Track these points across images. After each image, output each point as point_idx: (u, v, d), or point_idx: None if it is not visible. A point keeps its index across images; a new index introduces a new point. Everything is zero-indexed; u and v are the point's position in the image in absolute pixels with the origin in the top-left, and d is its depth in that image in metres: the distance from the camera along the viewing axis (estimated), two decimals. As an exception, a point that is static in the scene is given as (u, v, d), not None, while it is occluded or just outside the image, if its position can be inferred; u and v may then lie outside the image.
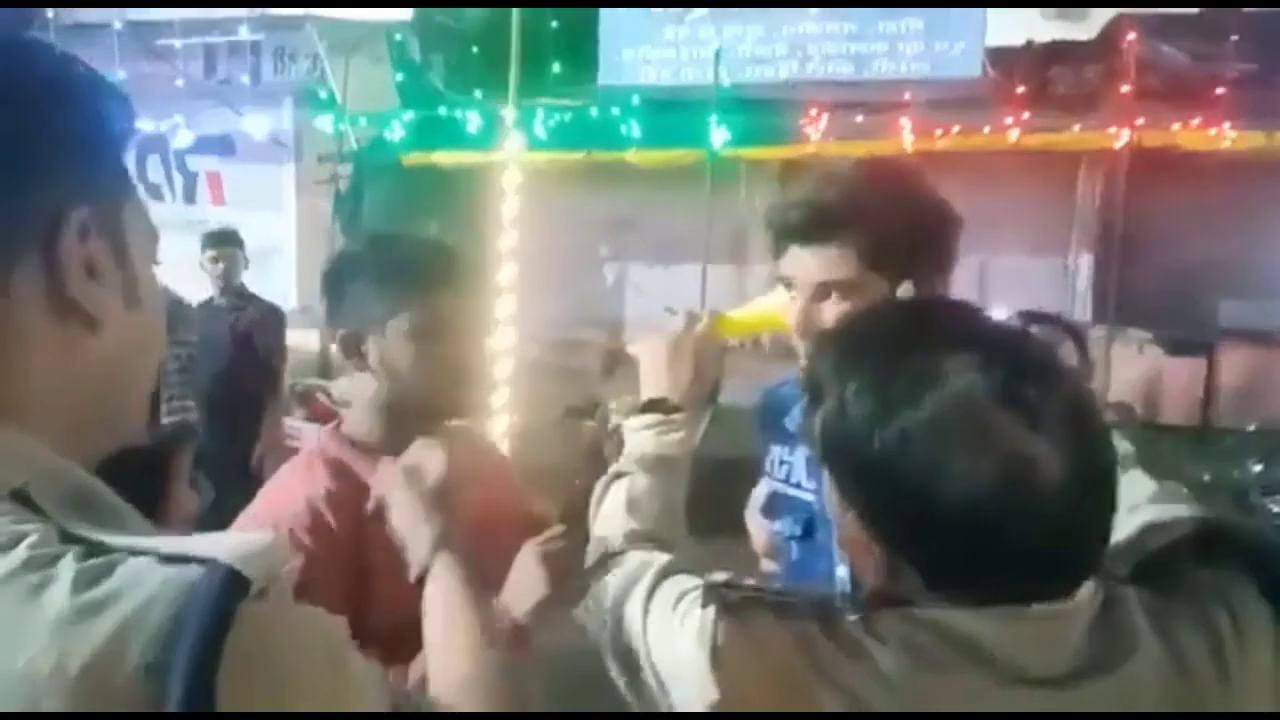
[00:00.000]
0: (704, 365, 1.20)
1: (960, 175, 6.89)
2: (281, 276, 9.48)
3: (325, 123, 7.02)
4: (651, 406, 1.17)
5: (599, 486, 1.14)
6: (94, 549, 0.51)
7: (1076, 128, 5.90)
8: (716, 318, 1.25)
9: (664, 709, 0.88)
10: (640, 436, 1.14)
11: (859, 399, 0.77)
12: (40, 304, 0.58)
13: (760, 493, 1.52)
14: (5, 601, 0.48)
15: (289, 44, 7.91)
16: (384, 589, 1.22)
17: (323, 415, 4.96)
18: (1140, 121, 5.66)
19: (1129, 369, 6.30)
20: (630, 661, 0.93)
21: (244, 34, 7.17)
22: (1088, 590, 0.77)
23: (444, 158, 7.19)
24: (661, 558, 1.00)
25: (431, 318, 1.28)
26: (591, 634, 1.02)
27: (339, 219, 7.35)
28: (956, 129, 5.90)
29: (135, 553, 0.51)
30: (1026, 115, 5.76)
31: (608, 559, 1.03)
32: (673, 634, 0.87)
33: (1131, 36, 5.85)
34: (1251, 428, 5.34)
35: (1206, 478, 4.73)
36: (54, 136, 0.59)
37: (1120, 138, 5.63)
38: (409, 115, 6.24)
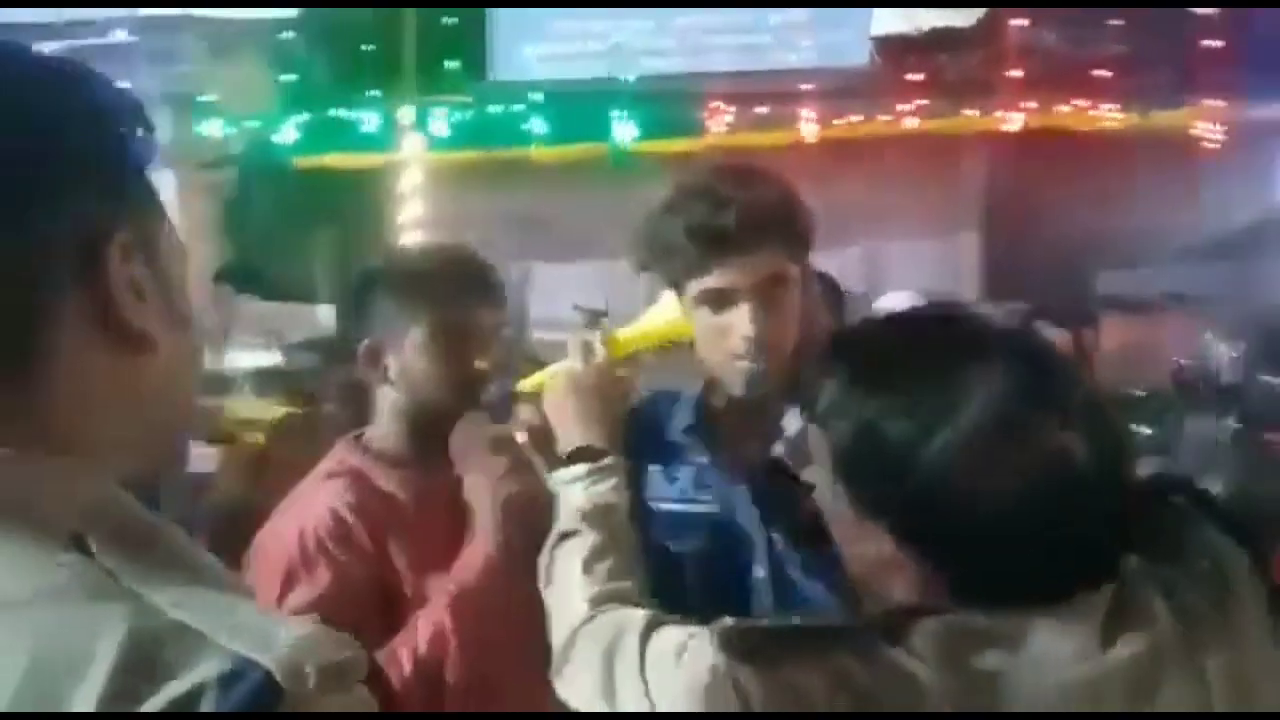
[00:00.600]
0: (613, 398, 1.18)
1: (850, 164, 7.13)
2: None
3: (209, 127, 6.73)
4: (577, 456, 1.13)
5: (544, 553, 1.10)
6: (146, 611, 0.49)
7: (969, 113, 6.10)
8: (611, 341, 1.22)
9: None
10: (574, 490, 1.11)
11: (890, 421, 0.78)
12: (93, 331, 0.58)
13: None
14: (49, 661, 0.47)
15: (165, 46, 7.54)
16: (409, 597, 1.26)
17: (217, 435, 4.77)
18: (1031, 105, 5.89)
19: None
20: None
21: (119, 36, 6.81)
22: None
23: (338, 160, 6.98)
24: (637, 613, 0.97)
25: (447, 327, 1.28)
26: (577, 705, 0.99)
27: (226, 226, 7.05)
28: (857, 118, 6.04)
29: (186, 625, 0.49)
30: (922, 102, 5.93)
31: (577, 632, 1.00)
32: (686, 690, 0.84)
33: (1011, 23, 6.09)
34: (1140, 392, 5.61)
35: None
36: (89, 160, 0.58)
37: (1011, 122, 5.85)
38: (301, 117, 6.02)
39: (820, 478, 0.90)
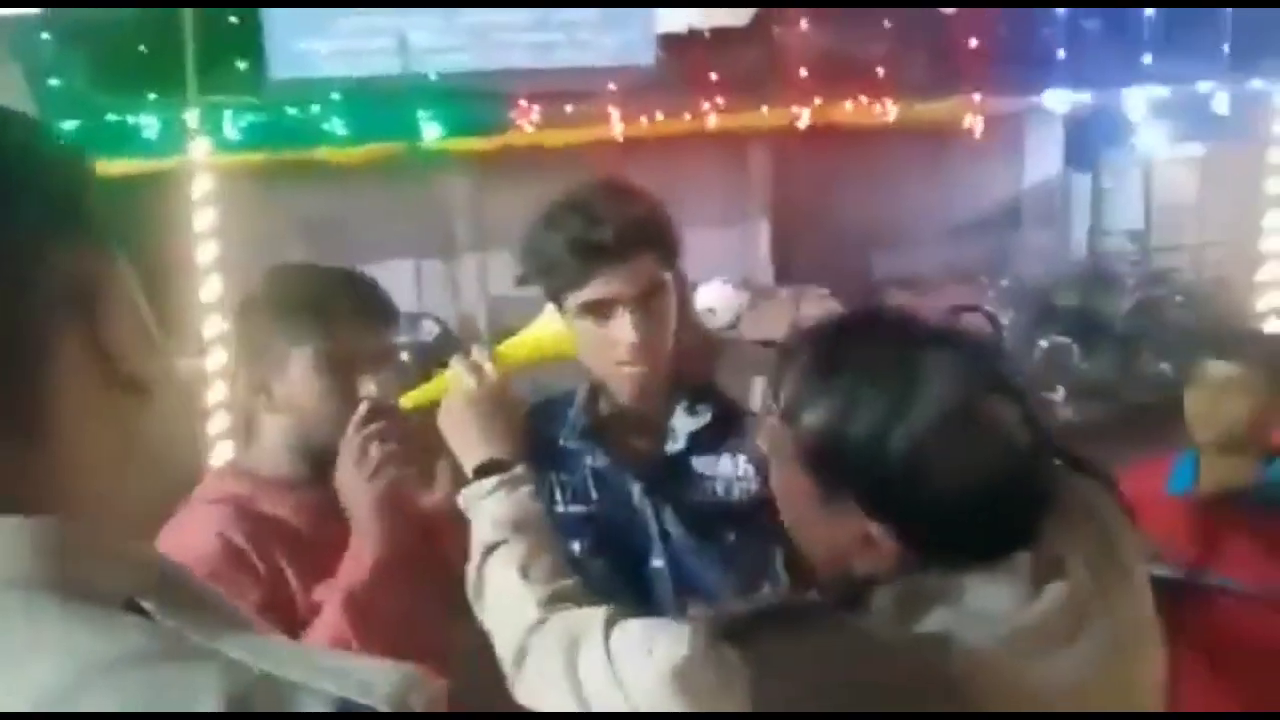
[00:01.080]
0: (509, 411, 1.22)
1: (656, 158, 7.31)
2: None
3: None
4: (485, 470, 1.15)
5: (471, 568, 1.09)
6: (233, 666, 0.48)
7: (764, 110, 6.40)
8: (496, 356, 1.26)
9: None
10: (490, 503, 1.11)
11: (861, 409, 0.85)
12: (93, 376, 0.56)
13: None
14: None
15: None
16: (306, 618, 1.24)
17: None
18: (817, 102, 6.26)
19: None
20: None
21: None
22: None
23: (110, 168, 6.47)
24: (592, 611, 0.98)
25: (330, 353, 1.25)
26: (541, 708, 0.99)
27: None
28: (660, 115, 6.20)
29: (275, 676, 0.48)
30: (720, 100, 6.16)
31: (529, 637, 1.00)
32: (665, 677, 0.86)
33: (779, 29, 6.46)
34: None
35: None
36: (63, 201, 0.56)
37: (801, 118, 6.19)
38: (69, 123, 5.54)
39: (781, 468, 0.95)
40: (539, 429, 1.42)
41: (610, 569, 1.37)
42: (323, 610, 1.21)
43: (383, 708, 0.46)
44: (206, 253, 5.39)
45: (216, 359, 4.74)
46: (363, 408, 1.24)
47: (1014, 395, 0.88)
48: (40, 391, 0.54)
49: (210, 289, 5.10)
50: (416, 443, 1.24)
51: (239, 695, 0.45)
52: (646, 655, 0.89)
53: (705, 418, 1.36)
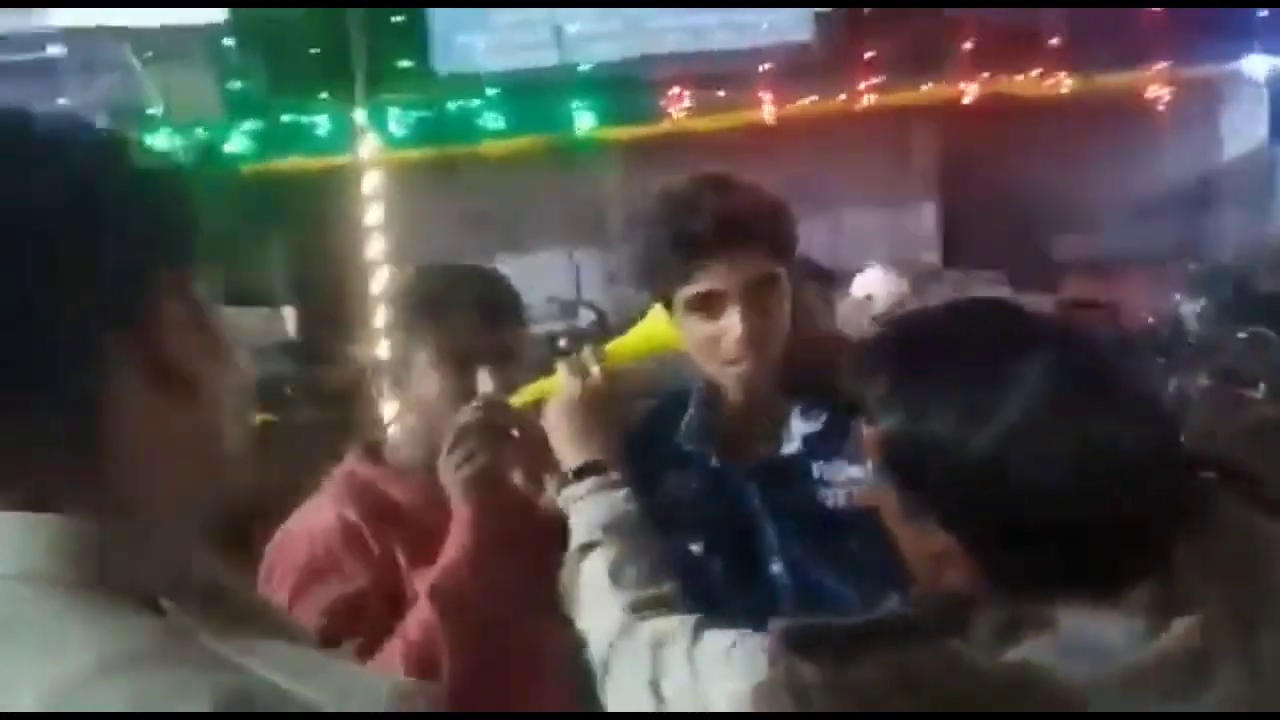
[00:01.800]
0: (609, 413, 1.19)
1: (809, 140, 7.16)
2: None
3: (157, 140, 6.56)
4: (582, 473, 1.13)
5: (565, 569, 1.09)
6: (235, 672, 0.49)
7: (924, 86, 6.15)
8: (604, 353, 1.23)
9: None
10: (586, 505, 1.10)
11: (938, 413, 0.77)
12: (144, 378, 0.58)
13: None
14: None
15: (96, 57, 7.32)
16: (410, 602, 1.24)
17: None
18: (984, 75, 5.95)
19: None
20: None
21: (53, 51, 6.61)
22: None
23: (287, 165, 6.85)
24: (679, 619, 0.96)
25: (447, 353, 1.26)
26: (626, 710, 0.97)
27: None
28: (814, 97, 6.06)
29: (278, 685, 0.49)
30: (877, 80, 5.96)
31: (617, 642, 0.99)
32: (742, 690, 0.84)
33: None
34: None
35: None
36: (130, 201, 0.59)
37: (966, 93, 5.90)
38: (249, 124, 5.89)
39: (873, 473, 0.88)
40: (657, 429, 1.40)
41: (728, 572, 1.33)
42: (419, 597, 1.22)
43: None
44: (375, 247, 5.62)
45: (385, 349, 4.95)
46: (474, 402, 1.26)
47: (1133, 405, 0.77)
48: (89, 390, 0.55)
49: (379, 281, 5.30)
50: (526, 437, 1.24)
51: (235, 702, 0.47)
52: (727, 668, 0.87)
53: (820, 420, 1.29)
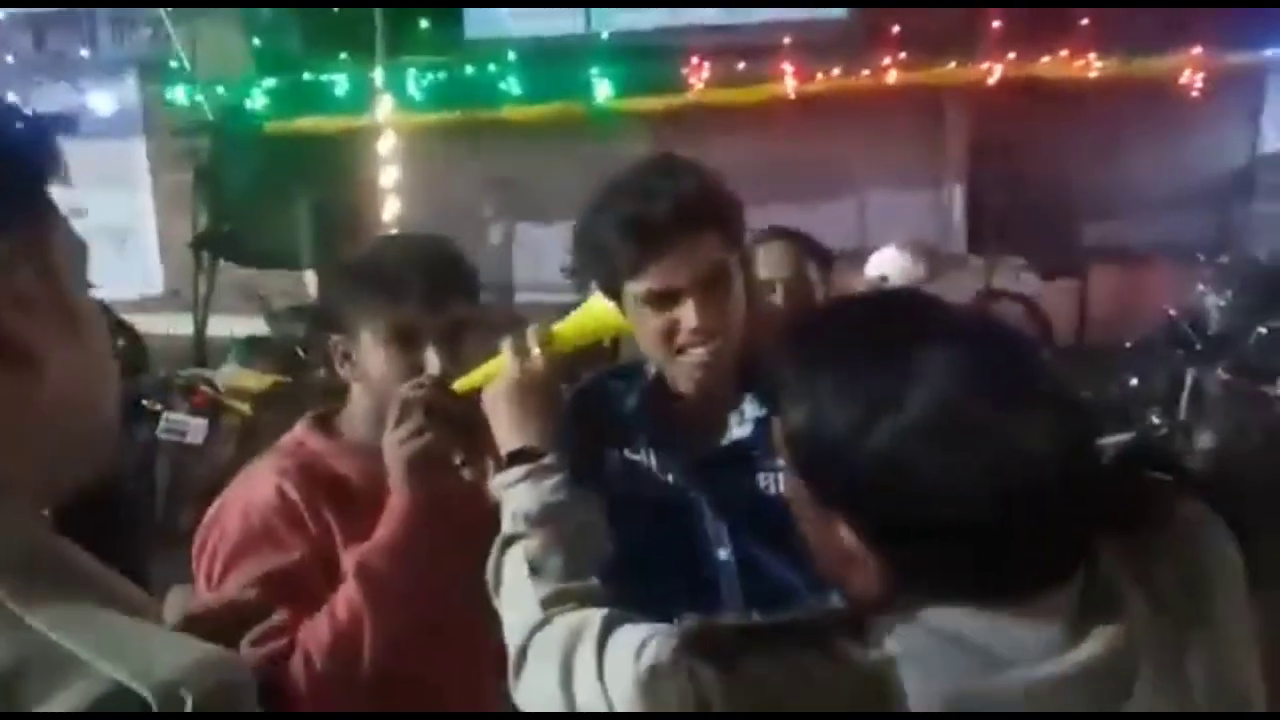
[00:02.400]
0: (551, 397, 1.16)
1: (833, 118, 7.06)
2: (142, 258, 8.99)
3: (179, 94, 6.59)
4: (515, 459, 1.10)
5: (491, 560, 1.06)
6: (22, 634, 0.48)
7: (950, 65, 6.02)
8: (547, 335, 1.19)
9: None
10: (516, 492, 1.07)
11: (839, 405, 0.74)
12: None
13: None
14: None
15: (127, 10, 7.38)
16: (344, 577, 1.21)
17: (207, 406, 4.72)
18: (1011, 56, 5.81)
19: (1009, 296, 6.55)
20: None
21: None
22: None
23: (309, 124, 6.87)
24: (593, 614, 0.94)
25: (392, 329, 1.26)
26: (537, 709, 0.96)
27: (201, 195, 6.95)
28: (836, 71, 5.95)
29: (62, 648, 0.48)
30: (902, 56, 5.84)
31: (531, 637, 0.96)
32: (641, 687, 0.81)
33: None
34: (1128, 344, 5.62)
35: (1087, 395, 4.96)
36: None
37: (994, 73, 5.77)
38: (270, 81, 5.90)
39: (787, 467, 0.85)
40: (601, 404, 1.36)
41: (674, 557, 1.30)
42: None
43: (147, 695, 0.46)
44: (391, 209, 5.62)
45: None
46: (420, 378, 1.23)
47: (1046, 402, 0.72)
48: None
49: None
50: (464, 418, 1.21)
51: (12, 659, 0.46)
52: (633, 660, 0.83)
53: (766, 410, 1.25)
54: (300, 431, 1.37)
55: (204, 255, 6.88)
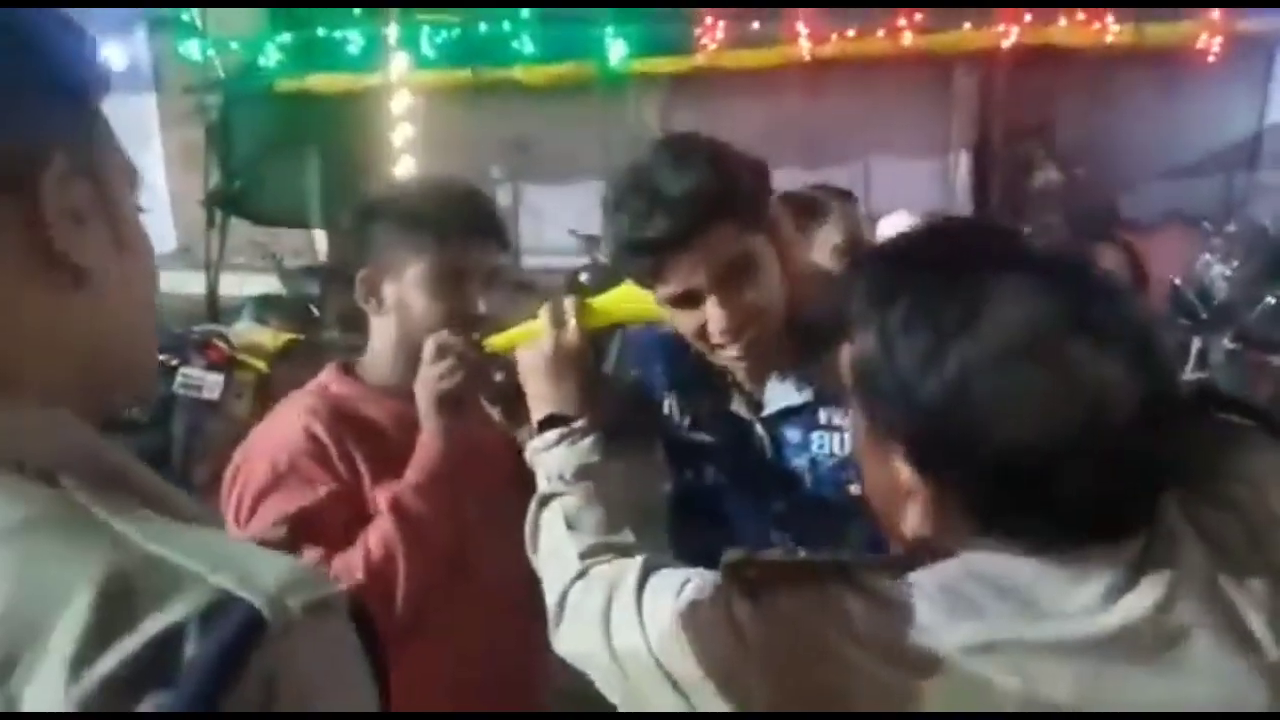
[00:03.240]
0: (582, 366, 1.16)
1: (842, 81, 7.02)
2: (156, 215, 8.95)
3: (192, 49, 6.56)
4: (548, 424, 1.12)
5: (529, 519, 1.08)
6: (124, 544, 0.48)
7: (966, 26, 5.96)
8: (583, 308, 1.19)
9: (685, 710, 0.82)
10: (551, 455, 1.09)
11: (908, 331, 0.71)
12: (24, 260, 0.54)
13: None
14: (33, 589, 0.46)
15: (139, -36, 7.32)
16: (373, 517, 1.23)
17: (222, 362, 4.76)
18: (1026, 20, 5.77)
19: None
20: (636, 673, 0.87)
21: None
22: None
23: (319, 82, 6.84)
24: (634, 560, 0.95)
25: (446, 266, 1.27)
26: (579, 661, 0.96)
27: (213, 152, 6.94)
28: (851, 33, 5.91)
29: (165, 559, 0.47)
30: (917, 18, 5.79)
31: (570, 586, 0.98)
32: (682, 625, 0.82)
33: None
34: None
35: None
36: (22, 79, 0.55)
37: (1009, 35, 5.72)
38: (284, 37, 5.87)
39: (850, 399, 0.82)
40: (656, 353, 1.37)
41: (729, 503, 1.31)
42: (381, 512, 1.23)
43: (257, 603, 0.45)
44: (404, 167, 5.61)
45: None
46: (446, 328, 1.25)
47: (1130, 339, 0.68)
48: None
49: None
50: (499, 365, 1.24)
51: (119, 573, 0.45)
52: (674, 598, 0.85)
53: (806, 396, 1.26)
54: (325, 377, 1.37)
55: (216, 213, 6.90)
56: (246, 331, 5.15)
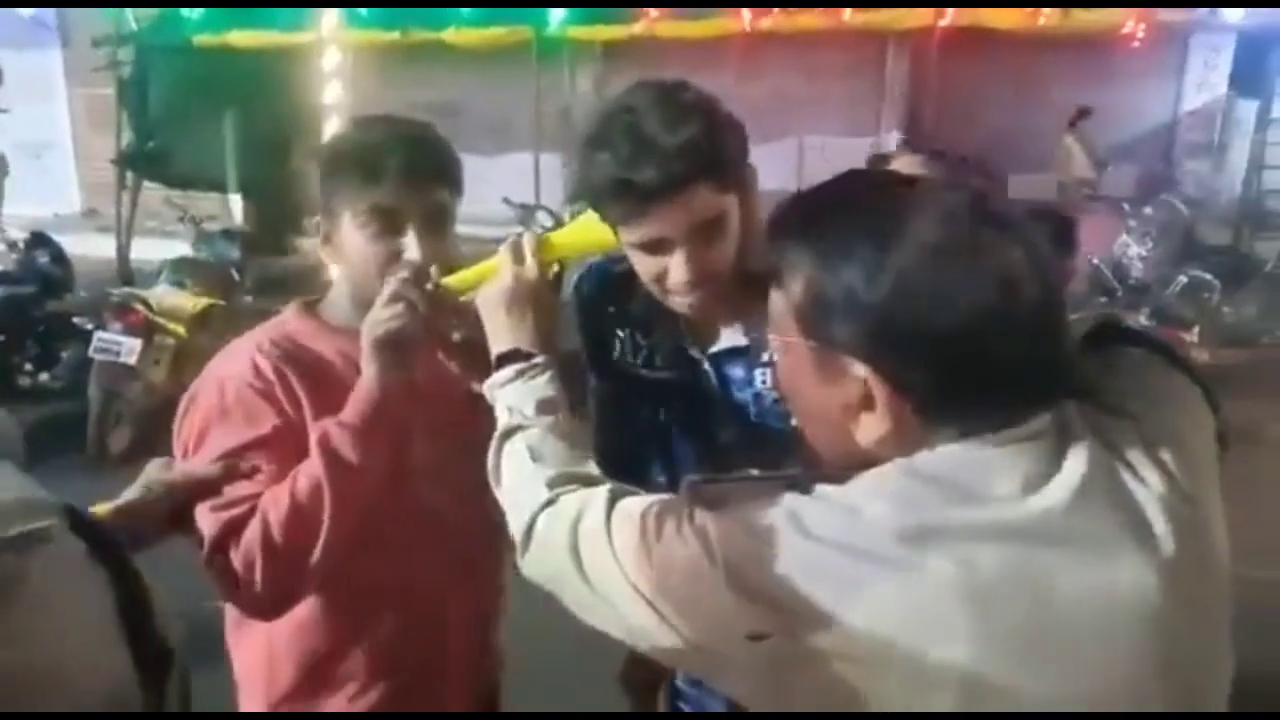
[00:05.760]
0: (542, 302, 1.18)
1: (777, 58, 7.08)
2: (60, 174, 8.56)
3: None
4: (505, 360, 1.14)
5: (490, 453, 1.09)
6: None
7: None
8: (543, 242, 1.21)
9: (657, 633, 0.86)
10: (509, 391, 1.11)
11: (848, 250, 0.79)
12: None
13: None
14: None
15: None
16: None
17: (141, 326, 4.57)
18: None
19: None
20: (605, 589, 0.91)
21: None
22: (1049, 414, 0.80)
23: (241, 38, 6.59)
24: (599, 488, 0.98)
25: (374, 210, 1.23)
26: (548, 584, 0.99)
27: (125, 108, 6.64)
28: (793, 9, 5.93)
29: None
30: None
31: (538, 514, 1.00)
32: (648, 540, 0.86)
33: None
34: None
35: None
36: None
37: (946, 16, 5.82)
38: (207, -10, 5.63)
39: (781, 343, 0.89)
40: (605, 288, 1.38)
41: (681, 436, 1.34)
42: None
43: None
44: (333, 128, 5.44)
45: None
46: (401, 269, 1.22)
47: (1018, 238, 0.78)
48: None
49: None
50: (456, 312, 1.22)
51: None
52: (640, 519, 0.88)
53: (751, 339, 1.30)
54: (285, 313, 1.37)
55: (127, 174, 6.61)
56: (165, 295, 4.94)
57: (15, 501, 0.51)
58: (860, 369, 0.80)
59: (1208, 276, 5.78)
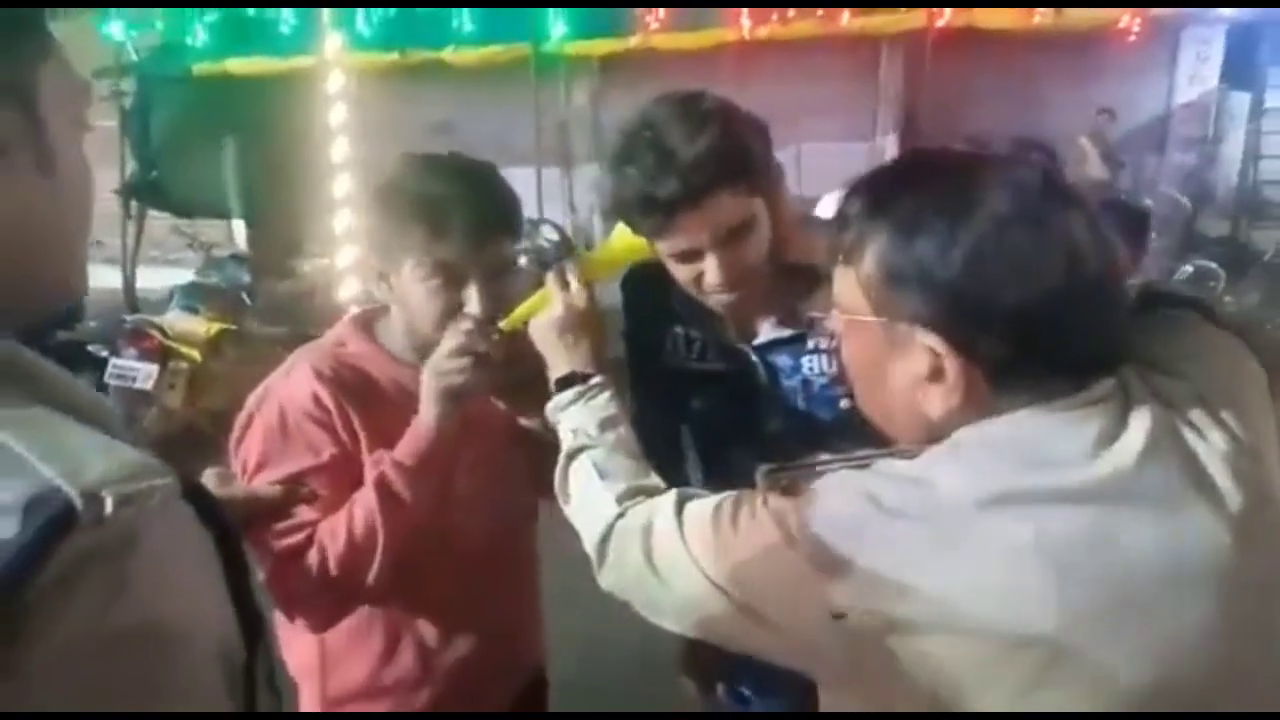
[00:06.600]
0: (591, 323, 1.20)
1: (774, 67, 7.13)
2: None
3: (114, 29, 6.28)
4: (564, 383, 1.17)
5: (557, 474, 1.13)
6: None
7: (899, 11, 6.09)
8: (584, 264, 1.24)
9: (738, 625, 0.88)
10: (571, 413, 1.15)
11: (920, 224, 0.81)
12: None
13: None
14: None
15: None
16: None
17: (156, 352, 4.59)
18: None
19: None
20: (687, 594, 0.93)
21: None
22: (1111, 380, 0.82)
23: (239, 65, 6.62)
24: (665, 496, 1.00)
25: (438, 266, 1.22)
26: (624, 593, 1.02)
27: (128, 139, 6.66)
28: (791, 14, 5.98)
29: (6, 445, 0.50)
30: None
31: (611, 527, 1.03)
32: (724, 529, 0.89)
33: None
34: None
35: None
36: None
37: (944, 16, 5.87)
38: (212, 16, 5.66)
39: (848, 320, 0.90)
40: (652, 287, 1.38)
41: (732, 429, 1.37)
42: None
43: (73, 494, 0.47)
44: (339, 150, 5.46)
45: (346, 255, 4.84)
46: (465, 321, 1.23)
47: (1082, 212, 0.81)
48: None
49: (341, 185, 5.18)
50: (508, 357, 1.23)
51: None
52: (713, 513, 0.91)
53: (793, 331, 1.33)
54: (343, 330, 1.36)
55: (132, 204, 6.62)
56: (178, 320, 4.96)
57: (135, 463, 0.52)
58: (932, 341, 0.81)
59: (1213, 266, 5.83)
